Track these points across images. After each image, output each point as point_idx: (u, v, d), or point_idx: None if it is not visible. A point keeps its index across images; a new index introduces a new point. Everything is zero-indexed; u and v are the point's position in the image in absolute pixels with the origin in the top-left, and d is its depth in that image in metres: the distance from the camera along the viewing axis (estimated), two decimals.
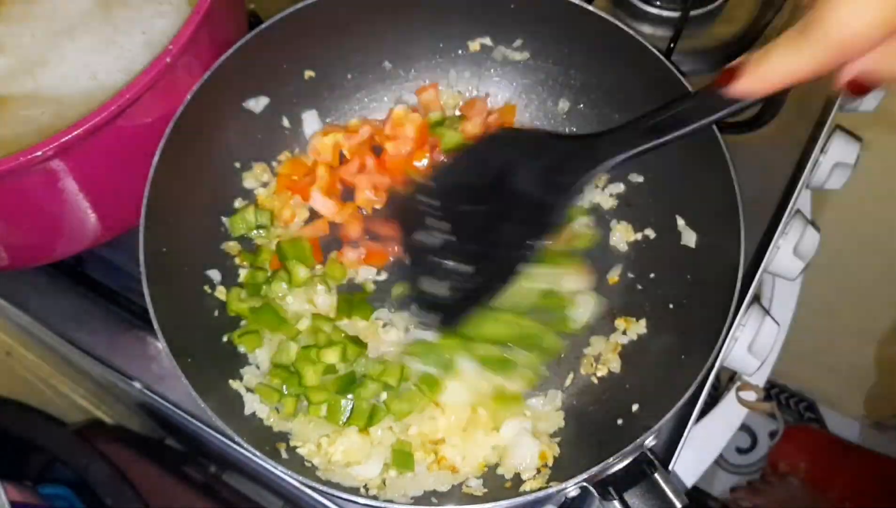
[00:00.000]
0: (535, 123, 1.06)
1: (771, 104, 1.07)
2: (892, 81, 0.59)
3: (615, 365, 0.93)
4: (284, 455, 0.83)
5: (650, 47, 0.90)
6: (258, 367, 0.90)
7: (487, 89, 1.06)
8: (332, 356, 0.87)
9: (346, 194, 1.02)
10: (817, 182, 1.11)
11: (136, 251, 0.81)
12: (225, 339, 0.90)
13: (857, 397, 2.09)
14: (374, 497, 0.79)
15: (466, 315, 0.84)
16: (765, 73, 0.63)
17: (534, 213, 0.80)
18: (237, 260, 0.96)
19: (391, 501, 0.78)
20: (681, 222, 0.94)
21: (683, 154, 0.94)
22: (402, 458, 0.85)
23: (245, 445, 0.76)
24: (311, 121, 1.03)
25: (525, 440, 0.87)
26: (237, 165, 0.99)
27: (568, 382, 0.94)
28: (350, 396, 0.86)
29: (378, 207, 1.01)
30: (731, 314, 0.79)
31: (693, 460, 1.03)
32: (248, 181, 0.99)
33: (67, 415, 1.11)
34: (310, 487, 0.78)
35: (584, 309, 0.93)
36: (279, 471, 0.76)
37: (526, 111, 1.06)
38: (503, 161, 0.83)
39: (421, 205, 0.83)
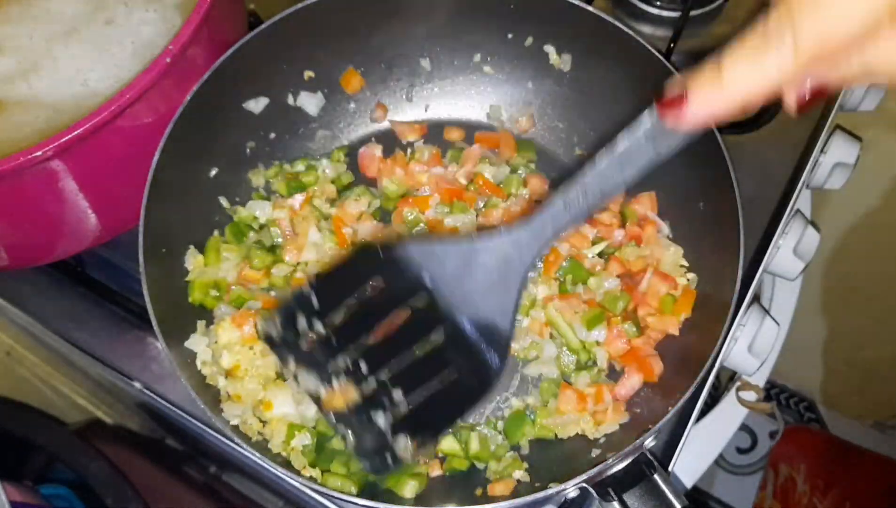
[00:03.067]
0: (535, 123, 1.06)
1: (771, 104, 1.07)
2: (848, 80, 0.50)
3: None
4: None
5: (650, 47, 0.90)
6: None
7: (485, 89, 1.07)
8: None
9: None
10: (817, 182, 1.11)
11: (136, 251, 0.81)
12: None
13: (857, 397, 2.09)
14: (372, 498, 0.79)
15: (443, 429, 0.75)
16: (717, 92, 0.51)
17: (482, 336, 0.69)
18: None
19: (390, 502, 0.78)
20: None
21: (682, 154, 0.94)
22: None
23: (244, 445, 0.76)
24: (310, 103, 1.03)
25: None
26: (237, 165, 0.99)
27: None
28: None
29: None
30: (731, 314, 0.79)
31: (693, 460, 1.03)
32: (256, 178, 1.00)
33: (67, 415, 1.10)
34: (310, 487, 0.78)
35: None
36: (279, 471, 0.76)
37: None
38: (415, 284, 0.70)
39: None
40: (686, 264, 0.92)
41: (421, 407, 0.68)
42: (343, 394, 0.69)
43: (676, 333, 0.88)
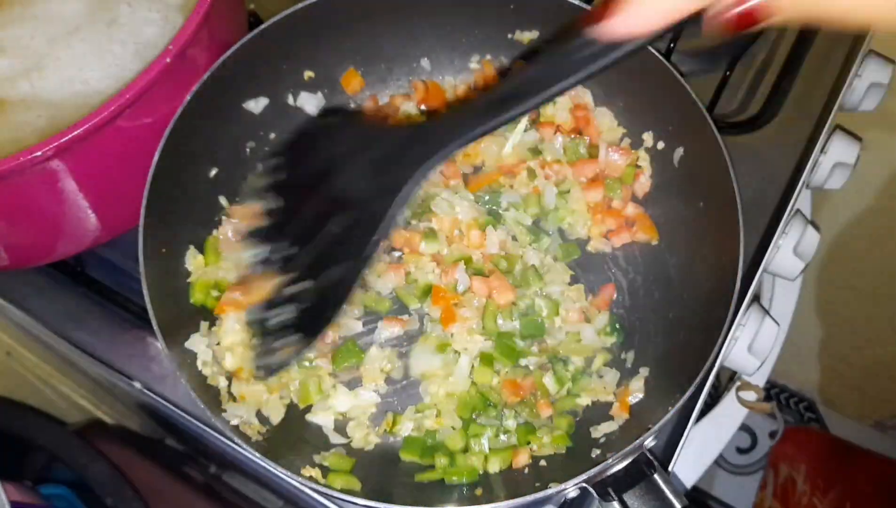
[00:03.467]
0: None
1: (771, 104, 1.07)
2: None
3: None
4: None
5: (650, 48, 0.90)
6: None
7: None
8: None
9: None
10: (817, 182, 1.11)
11: (136, 251, 0.81)
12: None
13: (857, 397, 2.09)
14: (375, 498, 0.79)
15: (323, 323, 0.76)
16: (650, 5, 0.51)
17: (365, 213, 0.73)
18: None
19: (390, 502, 0.78)
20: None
21: (682, 154, 0.94)
22: None
23: (244, 445, 0.76)
24: (310, 103, 1.03)
25: None
26: (237, 165, 0.99)
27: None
28: None
29: None
30: (731, 314, 0.79)
31: (693, 460, 1.03)
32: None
33: (67, 415, 1.11)
34: (309, 487, 0.78)
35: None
36: (279, 471, 0.76)
37: None
38: (332, 156, 0.77)
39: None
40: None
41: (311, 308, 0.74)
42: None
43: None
